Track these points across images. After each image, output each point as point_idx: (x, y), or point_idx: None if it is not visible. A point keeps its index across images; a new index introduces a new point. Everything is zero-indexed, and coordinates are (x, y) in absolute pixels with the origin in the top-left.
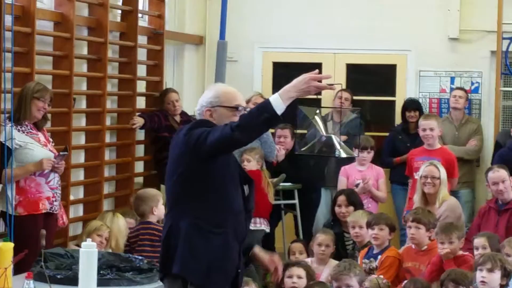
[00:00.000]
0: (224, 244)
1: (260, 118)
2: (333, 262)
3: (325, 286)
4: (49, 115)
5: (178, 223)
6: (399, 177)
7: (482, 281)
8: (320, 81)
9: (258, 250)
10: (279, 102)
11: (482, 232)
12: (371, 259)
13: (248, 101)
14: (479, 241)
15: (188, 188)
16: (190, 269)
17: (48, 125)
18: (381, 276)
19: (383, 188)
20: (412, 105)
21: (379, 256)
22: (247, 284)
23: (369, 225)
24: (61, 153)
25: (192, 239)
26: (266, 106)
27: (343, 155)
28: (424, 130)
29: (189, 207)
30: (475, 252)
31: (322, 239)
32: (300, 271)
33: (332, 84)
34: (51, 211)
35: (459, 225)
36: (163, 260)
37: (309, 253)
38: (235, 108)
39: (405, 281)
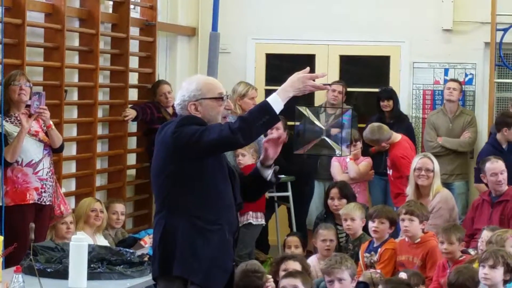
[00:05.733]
0: (221, 240)
1: (261, 120)
2: None
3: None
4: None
5: (173, 222)
6: (377, 167)
7: (485, 278)
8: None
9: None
10: (278, 103)
11: (493, 226)
12: (372, 252)
13: (243, 96)
14: (487, 234)
15: (180, 186)
16: (191, 270)
17: None
18: (377, 271)
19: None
20: (385, 94)
21: (379, 249)
22: None
23: (370, 217)
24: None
25: (191, 238)
26: (266, 108)
27: (345, 154)
28: None
29: (183, 205)
30: (479, 242)
31: (325, 234)
32: (296, 265)
33: (328, 84)
34: (39, 202)
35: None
36: (161, 261)
37: (304, 247)
38: (220, 97)
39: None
